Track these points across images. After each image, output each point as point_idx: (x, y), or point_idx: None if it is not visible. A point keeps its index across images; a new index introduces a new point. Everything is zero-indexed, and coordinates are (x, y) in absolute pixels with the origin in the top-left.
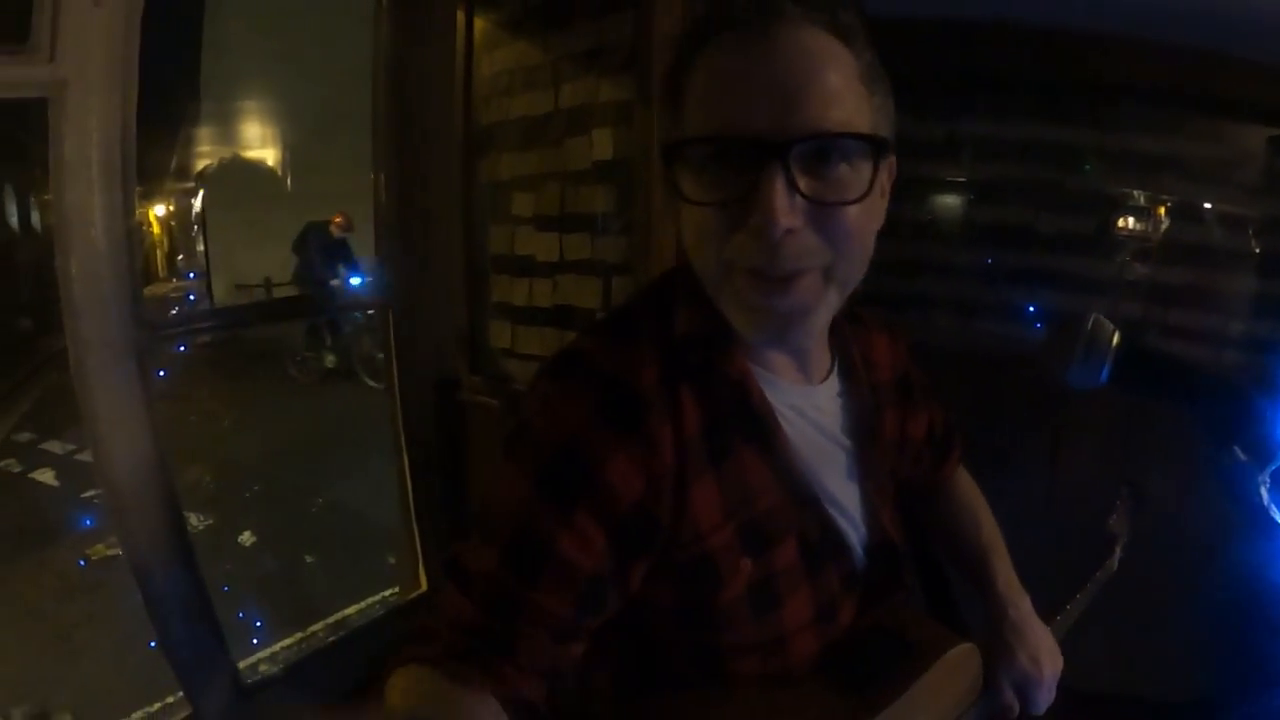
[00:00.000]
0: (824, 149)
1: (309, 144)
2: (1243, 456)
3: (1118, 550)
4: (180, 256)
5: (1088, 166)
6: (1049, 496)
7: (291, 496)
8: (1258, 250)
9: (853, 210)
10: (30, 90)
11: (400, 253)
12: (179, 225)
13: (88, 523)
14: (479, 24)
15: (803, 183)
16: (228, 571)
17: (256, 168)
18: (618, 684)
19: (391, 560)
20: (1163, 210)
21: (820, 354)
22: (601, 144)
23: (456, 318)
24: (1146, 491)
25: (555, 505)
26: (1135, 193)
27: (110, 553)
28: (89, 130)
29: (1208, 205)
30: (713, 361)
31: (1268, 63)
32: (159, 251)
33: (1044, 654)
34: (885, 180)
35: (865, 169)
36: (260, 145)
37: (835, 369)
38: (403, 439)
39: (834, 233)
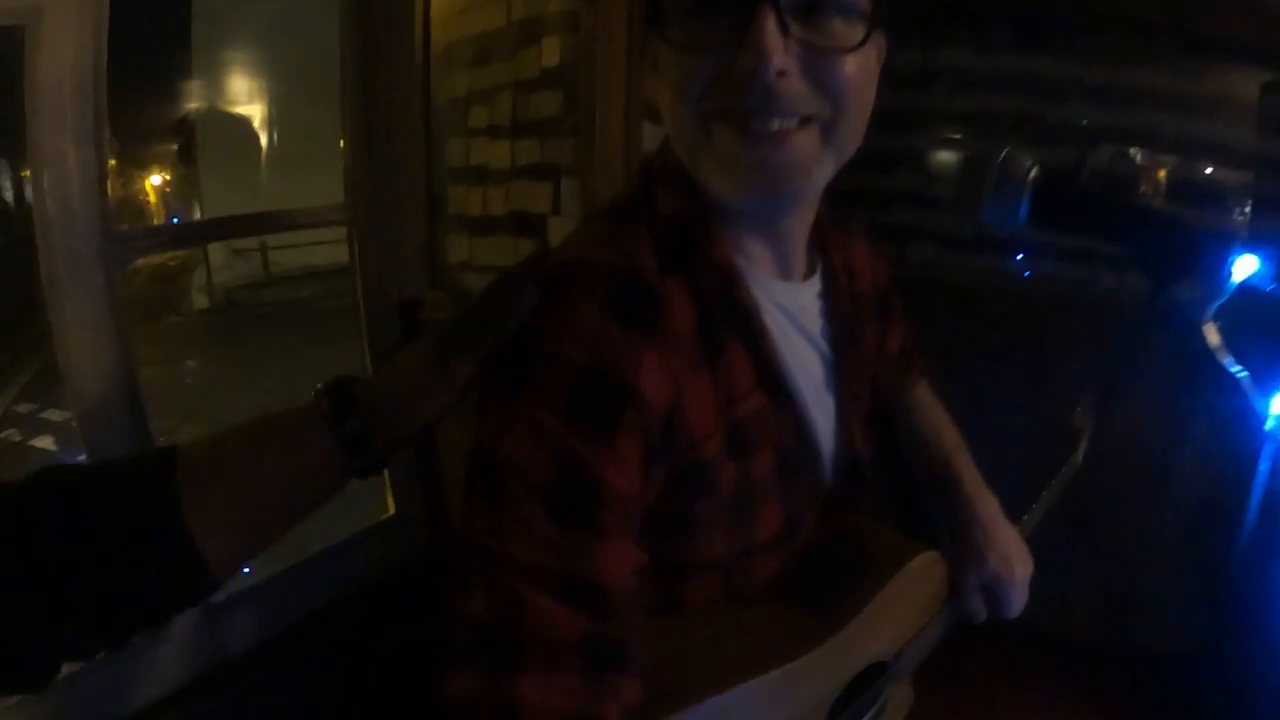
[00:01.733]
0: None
1: (296, 98)
2: (1187, 294)
3: (1082, 444)
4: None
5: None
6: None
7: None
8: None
9: (849, 63)
10: (8, 17)
11: (365, 172)
12: (173, 175)
13: None
14: None
15: (795, 27)
16: None
17: (243, 120)
18: None
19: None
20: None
21: (802, 251)
22: (550, 51)
23: (417, 235)
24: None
25: (593, 431)
26: (1115, 126)
27: None
28: (64, 53)
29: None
30: (697, 246)
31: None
32: (151, 197)
33: (1014, 554)
34: (876, 53)
35: (860, 27)
36: (246, 99)
37: (819, 271)
38: (368, 358)
39: (830, 84)
